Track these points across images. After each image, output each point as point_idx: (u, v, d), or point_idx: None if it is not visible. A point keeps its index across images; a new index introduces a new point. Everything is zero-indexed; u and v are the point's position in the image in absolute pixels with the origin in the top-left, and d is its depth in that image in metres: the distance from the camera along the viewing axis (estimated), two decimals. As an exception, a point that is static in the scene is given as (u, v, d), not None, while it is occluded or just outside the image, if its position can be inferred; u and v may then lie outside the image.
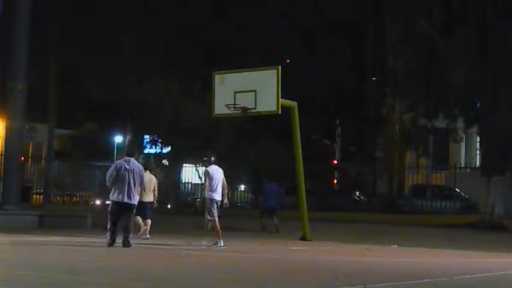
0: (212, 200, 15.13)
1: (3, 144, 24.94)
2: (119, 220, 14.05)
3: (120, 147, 49.01)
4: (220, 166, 16.02)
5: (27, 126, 32.83)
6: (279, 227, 22.13)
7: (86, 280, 8.54)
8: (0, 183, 24.88)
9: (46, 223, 21.49)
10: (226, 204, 15.57)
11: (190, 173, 40.34)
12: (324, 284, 8.91)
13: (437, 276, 10.04)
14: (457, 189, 33.43)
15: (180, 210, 34.38)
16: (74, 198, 36.93)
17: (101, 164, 36.21)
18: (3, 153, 24.99)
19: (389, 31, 29.16)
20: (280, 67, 18.27)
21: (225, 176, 15.88)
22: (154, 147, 39.00)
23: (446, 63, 26.83)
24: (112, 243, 13.96)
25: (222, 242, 14.91)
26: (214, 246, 14.91)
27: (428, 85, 27.99)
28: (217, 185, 15.27)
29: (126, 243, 13.88)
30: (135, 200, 14.16)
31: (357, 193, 38.40)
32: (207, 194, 15.22)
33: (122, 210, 14.02)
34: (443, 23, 26.12)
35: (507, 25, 24.89)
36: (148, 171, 16.76)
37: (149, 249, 14.46)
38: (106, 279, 8.62)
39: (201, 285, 8.57)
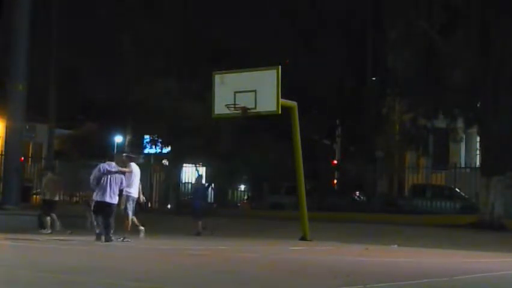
0: (129, 197, 16.03)
1: (3, 144, 24.95)
2: (100, 218, 15.41)
3: (120, 147, 48.99)
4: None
5: (27, 126, 32.87)
6: (202, 229, 20.74)
7: (86, 280, 8.54)
8: (0, 183, 24.88)
9: (46, 223, 21.46)
10: (143, 200, 16.90)
11: (190, 173, 40.33)
12: (324, 284, 8.91)
13: (437, 276, 10.04)
14: (457, 189, 33.43)
15: (180, 210, 34.35)
16: (74, 198, 36.90)
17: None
18: (3, 153, 24.99)
19: (389, 31, 29.13)
20: (280, 67, 18.28)
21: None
22: (154, 147, 38.99)
23: (446, 63, 26.82)
24: (99, 238, 15.28)
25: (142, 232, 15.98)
26: (122, 240, 15.51)
27: (428, 85, 27.97)
28: (135, 182, 16.13)
29: (108, 239, 15.09)
30: (115, 200, 15.43)
31: (357, 193, 38.39)
32: (124, 190, 15.92)
33: (103, 208, 15.27)
34: (443, 23, 26.11)
35: (507, 25, 24.89)
36: (50, 174, 18.89)
37: (150, 250, 14.47)
38: (106, 279, 8.62)
39: (201, 285, 8.56)
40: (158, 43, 36.79)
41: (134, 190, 16.22)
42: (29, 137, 39.87)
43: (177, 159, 37.73)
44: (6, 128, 23.71)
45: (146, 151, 40.24)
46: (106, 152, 16.52)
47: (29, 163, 35.21)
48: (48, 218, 19.54)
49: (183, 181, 40.09)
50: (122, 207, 16.04)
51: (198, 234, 20.43)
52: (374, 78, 39.56)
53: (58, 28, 36.97)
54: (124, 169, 15.90)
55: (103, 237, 15.31)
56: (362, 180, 37.65)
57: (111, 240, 15.11)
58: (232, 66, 21.84)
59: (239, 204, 41.60)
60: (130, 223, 16.04)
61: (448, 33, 26.09)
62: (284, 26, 37.14)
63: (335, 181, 43.06)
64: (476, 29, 25.27)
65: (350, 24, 38.06)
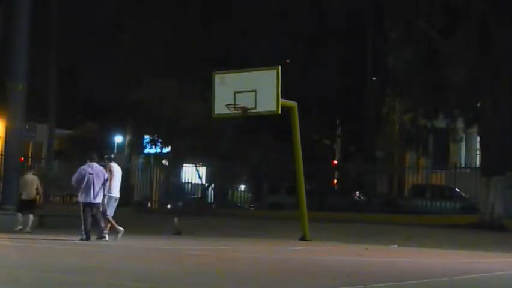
0: (111, 197, 16.36)
1: (3, 144, 24.94)
2: (89, 218, 15.85)
3: (120, 147, 48.98)
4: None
5: (27, 126, 32.84)
6: (179, 228, 20.34)
7: (86, 280, 8.54)
8: (0, 183, 24.87)
9: (46, 223, 21.51)
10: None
11: (190, 173, 40.34)
12: (324, 284, 8.91)
13: (437, 276, 10.04)
14: (457, 189, 33.42)
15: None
16: (74, 198, 36.88)
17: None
18: (3, 153, 24.98)
19: (389, 31, 29.10)
20: (280, 67, 18.28)
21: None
22: (154, 147, 38.98)
23: (446, 63, 26.80)
24: (87, 239, 15.69)
25: (107, 236, 16.07)
26: (103, 239, 15.83)
27: (428, 85, 27.95)
28: (116, 182, 16.48)
29: (101, 237, 15.73)
30: (99, 199, 16.03)
31: (357, 193, 38.38)
32: (106, 190, 16.26)
33: (90, 208, 15.84)
34: (443, 23, 26.09)
35: (507, 25, 24.88)
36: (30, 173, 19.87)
37: (150, 249, 14.47)
38: (106, 279, 8.62)
39: (201, 285, 8.56)
40: (158, 43, 36.79)
41: (115, 190, 16.55)
42: (29, 137, 39.86)
43: (177, 159, 37.72)
44: (6, 128, 23.70)
45: (146, 151, 40.26)
46: (87, 153, 16.89)
47: (29, 163, 35.18)
48: (31, 216, 19.68)
49: (183, 181, 40.09)
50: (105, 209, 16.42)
51: (179, 233, 20.07)
52: (374, 78, 39.56)
53: (58, 28, 36.96)
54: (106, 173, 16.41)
55: (93, 236, 15.77)
56: (362, 180, 37.65)
57: (104, 238, 15.71)
58: (232, 66, 21.84)
59: (239, 204, 41.55)
60: (113, 222, 16.36)
61: (448, 33, 26.08)
62: (284, 26, 37.12)
63: (335, 181, 43.05)
64: (476, 29, 25.26)
65: (350, 24, 38.04)
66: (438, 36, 26.24)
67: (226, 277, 9.32)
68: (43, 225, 21.36)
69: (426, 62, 27.20)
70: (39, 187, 20.09)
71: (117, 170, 16.76)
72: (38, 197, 20.41)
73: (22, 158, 28.01)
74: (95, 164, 16.28)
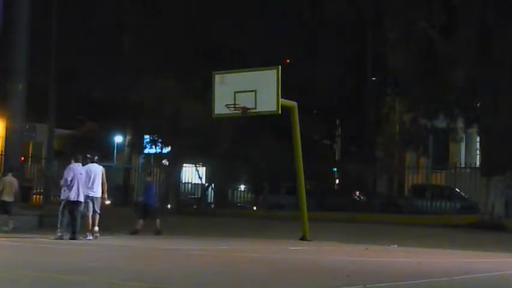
0: (90, 197, 16.78)
1: (3, 144, 24.95)
2: (70, 215, 16.34)
3: (120, 147, 48.98)
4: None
5: (27, 126, 32.85)
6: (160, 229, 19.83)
7: (86, 280, 8.54)
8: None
9: (46, 223, 21.49)
10: (105, 199, 17.63)
11: (190, 173, 40.34)
12: (324, 284, 8.91)
13: (437, 276, 10.04)
14: (457, 189, 33.43)
15: (180, 210, 34.37)
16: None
17: (101, 164, 36.14)
18: (3, 153, 24.98)
19: (389, 31, 29.11)
20: (280, 67, 18.28)
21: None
22: (154, 147, 38.98)
23: (446, 64, 26.81)
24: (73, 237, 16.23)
25: (90, 235, 16.53)
26: (83, 239, 16.27)
27: (428, 85, 27.96)
28: (96, 182, 16.85)
29: (74, 237, 16.17)
30: (82, 198, 16.44)
31: (357, 193, 38.38)
32: (85, 191, 16.66)
33: (73, 206, 16.30)
34: (443, 23, 26.10)
35: (507, 25, 24.88)
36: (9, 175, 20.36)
37: (150, 249, 14.47)
38: (106, 279, 8.62)
39: (201, 285, 8.56)
40: (158, 43, 36.78)
41: (95, 190, 16.91)
42: (29, 137, 39.85)
43: (177, 159, 37.73)
44: (6, 128, 23.70)
45: (146, 151, 40.25)
46: (72, 154, 17.51)
47: (29, 163, 35.19)
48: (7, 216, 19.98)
49: (183, 181, 40.10)
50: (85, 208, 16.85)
51: (159, 233, 19.69)
52: (374, 78, 39.55)
53: (58, 28, 36.95)
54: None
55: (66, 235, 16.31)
56: (362, 180, 37.64)
57: (77, 239, 16.16)
58: (232, 66, 21.83)
59: (240, 204, 41.54)
60: (90, 221, 16.76)
61: (448, 33, 26.08)
62: (284, 26, 37.11)
63: (336, 181, 43.06)
64: (476, 29, 25.26)
65: (350, 24, 38.03)
66: (438, 36, 26.24)
67: (226, 277, 9.32)
68: (43, 225, 21.35)
69: (426, 62, 27.20)
70: (17, 189, 20.52)
71: (98, 170, 17.15)
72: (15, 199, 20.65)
73: (22, 158, 28.03)
74: (79, 165, 16.75)
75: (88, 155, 17.56)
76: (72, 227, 16.32)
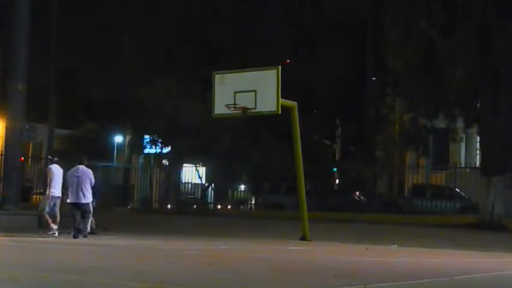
0: (50, 196, 17.42)
1: (3, 144, 24.93)
2: (76, 217, 17.26)
3: (120, 147, 49.01)
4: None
5: (27, 126, 32.81)
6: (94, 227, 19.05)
7: (86, 280, 8.54)
8: (0, 183, 24.87)
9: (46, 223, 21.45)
10: (65, 199, 18.01)
11: (190, 173, 40.35)
12: (324, 284, 8.91)
13: (437, 276, 10.04)
14: (457, 189, 33.44)
15: (180, 210, 34.40)
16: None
17: (101, 164, 36.21)
18: (3, 153, 24.97)
19: (389, 31, 29.10)
20: (280, 67, 18.28)
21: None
22: (154, 147, 38.99)
23: (446, 63, 26.80)
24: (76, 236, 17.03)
25: (54, 230, 17.23)
26: (50, 234, 17.01)
27: (428, 85, 27.95)
28: (56, 182, 17.51)
29: (76, 236, 17.01)
30: (86, 199, 17.35)
31: (357, 193, 38.40)
32: (48, 190, 17.40)
33: (77, 208, 17.24)
34: (443, 23, 26.08)
35: (507, 25, 24.87)
36: None
37: (150, 249, 14.47)
38: (105, 279, 8.61)
39: (201, 285, 8.56)
40: (158, 43, 36.78)
41: (55, 190, 17.49)
42: (29, 137, 39.80)
43: (177, 159, 37.74)
44: (6, 128, 23.67)
45: (146, 151, 40.26)
46: (78, 156, 18.12)
47: (29, 163, 35.20)
48: None
49: (183, 181, 40.11)
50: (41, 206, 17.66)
51: (92, 232, 18.83)
52: (374, 78, 39.56)
53: (58, 28, 36.96)
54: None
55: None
56: (362, 180, 37.67)
57: (82, 237, 16.92)
58: (232, 66, 21.83)
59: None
60: (49, 220, 17.33)
61: (447, 33, 26.06)
62: (284, 26, 37.11)
63: (336, 181, 43.07)
64: (476, 29, 25.24)
65: (350, 24, 38.03)
66: (438, 36, 26.23)
67: (226, 277, 9.32)
68: (43, 225, 21.32)
69: (426, 62, 27.19)
70: None
71: (57, 171, 17.66)
72: None
73: (22, 158, 28.01)
74: (82, 167, 17.56)
75: (49, 156, 18.57)
76: (78, 225, 17.27)
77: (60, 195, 17.68)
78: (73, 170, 17.60)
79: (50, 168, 17.63)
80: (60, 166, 18.04)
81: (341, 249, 16.46)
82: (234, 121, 28.69)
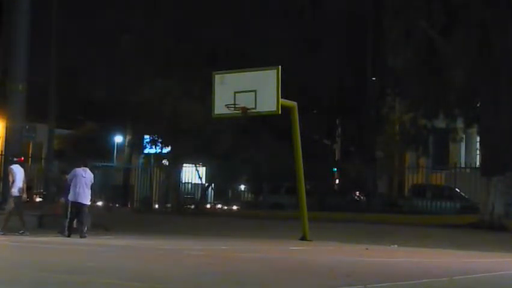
0: (13, 196, 18.03)
1: (3, 144, 24.94)
2: (77, 216, 17.84)
3: (120, 147, 49.00)
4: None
5: (27, 126, 32.84)
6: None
7: (86, 280, 8.54)
8: (0, 183, 24.87)
9: (46, 223, 21.50)
10: (25, 199, 18.73)
11: (190, 173, 40.34)
12: (324, 284, 8.91)
13: (437, 276, 10.04)
14: (457, 189, 33.43)
15: (180, 210, 34.39)
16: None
17: (101, 164, 36.22)
18: (3, 153, 24.98)
19: (389, 31, 29.10)
20: (280, 67, 18.28)
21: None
22: (154, 147, 38.97)
23: (446, 63, 26.80)
24: (69, 235, 17.72)
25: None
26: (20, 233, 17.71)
27: (428, 85, 27.96)
28: (16, 182, 18.02)
29: (82, 235, 17.47)
30: (88, 201, 18.09)
31: (357, 193, 38.39)
32: (11, 190, 18.11)
33: (77, 208, 17.76)
34: (443, 23, 26.08)
35: (507, 25, 24.87)
36: None
37: (150, 249, 14.47)
38: (105, 279, 8.62)
39: (201, 285, 8.56)
40: (158, 43, 36.76)
41: (15, 189, 18.04)
42: (29, 137, 39.84)
43: (177, 159, 37.72)
44: (6, 128, 23.70)
45: (146, 151, 40.24)
46: (83, 159, 19.40)
47: (29, 163, 35.20)
48: None
49: (183, 181, 40.09)
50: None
51: (62, 232, 18.63)
52: (374, 78, 39.56)
53: (58, 28, 36.96)
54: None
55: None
56: (362, 180, 37.66)
57: (85, 236, 17.45)
58: (232, 66, 21.83)
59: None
60: (6, 221, 17.98)
61: (447, 33, 26.07)
62: (284, 26, 37.09)
63: (336, 181, 43.07)
64: (476, 29, 25.24)
65: (350, 24, 38.02)
66: (438, 36, 26.23)
67: (226, 277, 9.32)
68: (43, 225, 21.35)
69: (426, 62, 27.20)
70: None
71: (18, 170, 18.21)
72: None
73: (22, 158, 28.01)
74: (81, 169, 18.13)
75: (10, 158, 19.21)
76: (80, 226, 17.89)
77: (17, 194, 18.14)
78: (81, 170, 18.05)
79: (12, 169, 18.23)
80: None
81: (341, 249, 16.46)
82: (233, 121, 28.68)
